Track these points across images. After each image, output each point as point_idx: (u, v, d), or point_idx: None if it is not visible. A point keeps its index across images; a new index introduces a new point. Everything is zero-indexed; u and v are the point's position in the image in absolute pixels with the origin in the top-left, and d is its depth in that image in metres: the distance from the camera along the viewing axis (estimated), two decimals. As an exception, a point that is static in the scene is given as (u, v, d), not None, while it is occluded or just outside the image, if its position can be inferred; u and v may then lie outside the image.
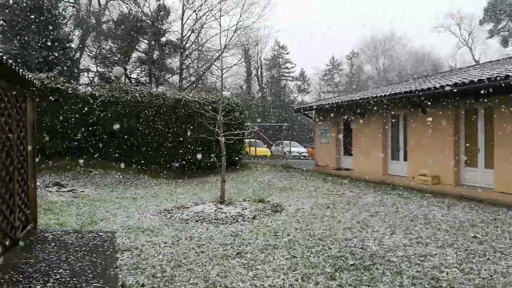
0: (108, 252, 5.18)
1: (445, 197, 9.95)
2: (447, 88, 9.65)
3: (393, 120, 13.53)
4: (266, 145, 30.40)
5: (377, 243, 5.70)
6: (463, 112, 10.82)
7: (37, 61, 19.27)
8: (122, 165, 14.61)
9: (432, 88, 10.26)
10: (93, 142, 14.66)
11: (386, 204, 8.96)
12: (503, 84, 8.35)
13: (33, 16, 19.43)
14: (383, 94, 12.35)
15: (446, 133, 10.96)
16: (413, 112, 12.13)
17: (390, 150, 13.58)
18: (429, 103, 11.45)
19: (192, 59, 31.15)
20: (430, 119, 11.45)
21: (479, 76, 9.54)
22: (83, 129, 14.46)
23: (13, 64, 4.22)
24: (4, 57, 3.89)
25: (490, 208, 8.47)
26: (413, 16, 70.28)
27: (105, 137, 14.83)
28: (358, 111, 14.51)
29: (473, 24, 46.90)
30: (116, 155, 14.90)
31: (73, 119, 14.30)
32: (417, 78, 17.45)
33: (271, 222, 7.16)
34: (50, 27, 20.18)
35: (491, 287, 4.10)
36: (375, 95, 12.91)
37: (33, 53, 19.12)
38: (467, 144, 10.70)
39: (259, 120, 35.76)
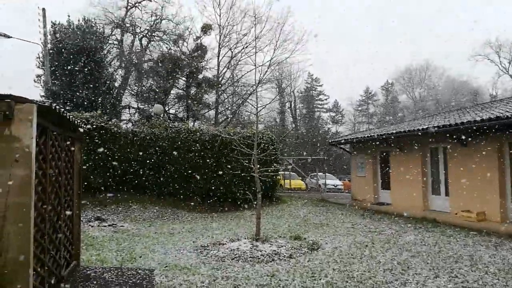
0: (147, 291, 5.26)
1: (492, 235, 9.42)
2: (489, 122, 9.35)
3: (432, 153, 13.15)
4: (300, 178, 30.20)
5: (420, 287, 5.45)
6: (507, 145, 10.38)
7: (83, 100, 20.47)
8: (160, 199, 14.98)
9: (472, 122, 9.97)
10: (133, 177, 15.16)
11: (428, 243, 8.59)
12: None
13: (81, 58, 20.83)
14: (420, 128, 12.11)
15: (490, 167, 10.50)
16: (453, 145, 11.76)
17: (431, 184, 13.12)
18: (469, 136, 11.08)
19: (228, 94, 32.01)
20: (472, 152, 11.06)
21: (523, 108, 9.21)
22: (123, 164, 15.03)
23: (65, 111, 4.54)
24: (57, 106, 4.21)
25: (543, 248, 7.92)
26: (449, 45, 69.23)
27: (144, 172, 15.32)
28: (395, 144, 14.24)
29: (513, 51, 45.56)
30: (154, 189, 15.31)
31: (114, 156, 14.92)
32: (455, 109, 17.01)
33: (308, 261, 7.03)
34: (96, 68, 21.52)
35: None
36: (412, 129, 12.67)
37: (80, 92, 20.36)
38: (513, 179, 10.20)
39: (293, 153, 35.76)
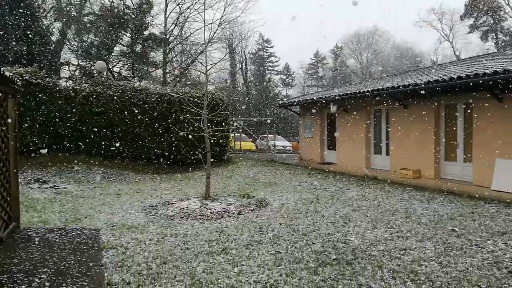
0: (93, 250, 5.17)
1: (426, 190, 10.21)
2: (428, 85, 9.86)
3: (375, 115, 13.74)
4: (251, 139, 30.49)
5: (359, 238, 5.84)
6: (443, 107, 11.07)
7: (16, 54, 18.82)
8: (105, 161, 14.52)
9: (413, 85, 10.46)
10: (75, 137, 14.46)
11: (368, 198, 9.15)
12: (480, 81, 8.58)
13: (11, 7, 18.94)
14: (365, 90, 12.53)
15: (427, 128, 11.21)
16: (395, 107, 12.34)
17: (373, 144, 13.81)
18: (410, 99, 11.67)
19: (176, 53, 30.86)
20: (411, 114, 11.69)
21: (459, 73, 9.77)
22: (64, 124, 14.27)
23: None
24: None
25: (469, 201, 8.73)
26: (396, 11, 71.05)
27: (87, 132, 14.65)
28: (341, 106, 14.68)
29: (454, 19, 47.79)
30: (99, 150, 14.74)
31: (54, 114, 14.09)
32: (399, 73, 17.73)
33: (256, 217, 7.24)
34: (29, 19, 19.70)
35: (467, 280, 4.27)
36: (357, 91, 13.08)
37: (12, 46, 18.67)
38: (447, 139, 10.98)
39: (244, 114, 35.79)
